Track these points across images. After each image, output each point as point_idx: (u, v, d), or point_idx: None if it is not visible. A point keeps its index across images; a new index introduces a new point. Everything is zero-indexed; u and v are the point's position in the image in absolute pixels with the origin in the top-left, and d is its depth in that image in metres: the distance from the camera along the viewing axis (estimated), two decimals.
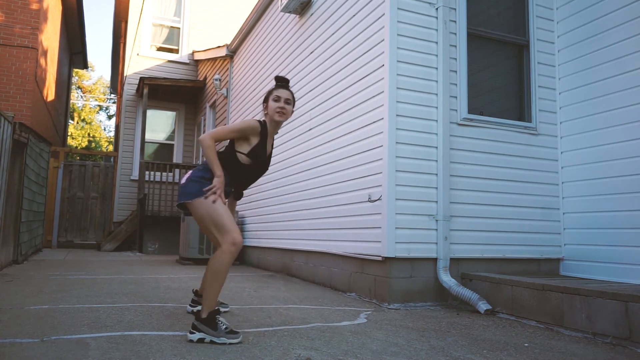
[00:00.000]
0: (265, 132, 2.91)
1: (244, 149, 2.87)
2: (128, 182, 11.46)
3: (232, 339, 2.51)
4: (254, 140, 2.87)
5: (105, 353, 2.23)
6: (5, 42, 8.83)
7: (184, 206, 2.81)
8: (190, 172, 2.85)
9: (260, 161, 2.92)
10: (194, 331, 2.54)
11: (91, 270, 5.90)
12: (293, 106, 3.01)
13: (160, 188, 10.05)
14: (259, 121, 2.92)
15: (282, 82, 3.01)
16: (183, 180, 2.81)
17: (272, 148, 3.07)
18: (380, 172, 4.11)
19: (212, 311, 2.57)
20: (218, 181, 2.70)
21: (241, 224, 8.02)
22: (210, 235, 2.80)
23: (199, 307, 3.07)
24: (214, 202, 2.65)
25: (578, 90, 4.57)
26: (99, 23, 59.99)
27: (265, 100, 2.99)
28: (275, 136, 6.72)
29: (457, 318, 3.53)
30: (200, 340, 2.51)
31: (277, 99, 2.93)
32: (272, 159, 6.75)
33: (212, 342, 2.50)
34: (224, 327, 2.54)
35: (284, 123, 6.60)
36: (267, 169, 3.07)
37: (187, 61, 12.16)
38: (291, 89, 3.10)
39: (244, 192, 3.24)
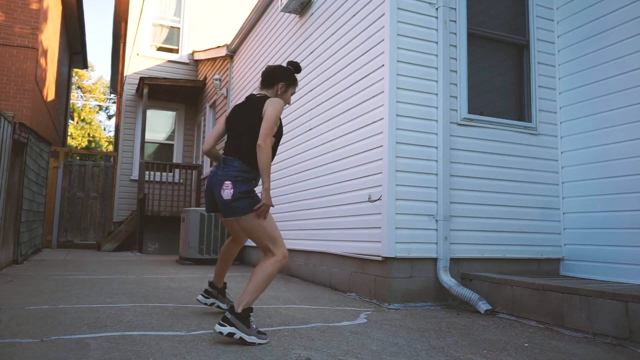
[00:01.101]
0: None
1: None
2: (128, 182, 11.46)
3: (262, 339, 2.52)
4: (279, 120, 2.89)
5: (105, 353, 2.23)
6: (5, 42, 8.83)
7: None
8: (229, 183, 2.70)
9: (279, 136, 2.94)
10: (225, 324, 2.46)
11: (91, 270, 5.90)
12: None
13: (160, 188, 10.05)
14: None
15: (298, 71, 3.08)
16: (226, 196, 2.69)
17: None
18: (380, 172, 4.11)
19: (247, 308, 2.54)
20: (267, 197, 2.65)
21: None
22: (260, 244, 2.73)
23: (212, 300, 3.23)
24: (264, 218, 2.70)
25: (578, 90, 4.57)
26: (99, 23, 59.99)
27: (285, 81, 2.96)
28: None
29: (457, 318, 3.53)
30: (230, 335, 2.44)
31: (293, 94, 3.08)
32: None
33: (241, 339, 2.45)
34: (255, 327, 2.56)
35: (284, 123, 6.59)
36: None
37: (187, 61, 12.16)
38: None
39: None
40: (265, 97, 2.87)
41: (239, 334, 2.46)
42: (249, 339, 2.47)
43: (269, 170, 2.68)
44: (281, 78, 2.97)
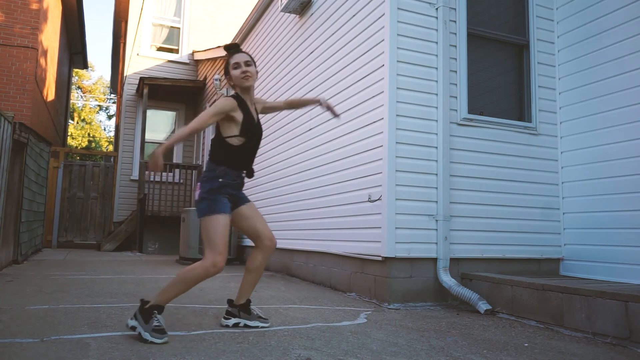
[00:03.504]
0: (243, 102, 2.84)
1: (233, 131, 2.77)
2: (128, 182, 11.46)
3: (157, 338, 2.46)
4: (239, 117, 2.78)
5: (105, 353, 2.23)
6: (5, 42, 8.83)
7: None
8: (199, 184, 2.77)
9: (253, 134, 2.85)
10: (134, 318, 2.58)
11: (91, 270, 5.90)
12: (255, 66, 2.93)
13: (160, 188, 10.05)
14: (232, 96, 2.84)
15: (233, 49, 2.92)
16: (196, 197, 2.75)
17: (258, 115, 2.98)
18: (380, 172, 4.11)
19: (155, 306, 2.56)
20: (156, 153, 2.57)
21: None
22: (204, 245, 2.71)
23: (235, 320, 2.93)
24: (154, 171, 2.64)
25: (578, 90, 4.57)
26: (99, 23, 60.00)
27: (227, 73, 2.91)
28: (276, 135, 6.74)
29: (457, 318, 3.53)
30: (133, 328, 2.55)
31: (237, 66, 2.85)
32: (272, 159, 6.77)
33: (139, 334, 2.50)
34: (156, 324, 2.50)
35: (281, 116, 6.58)
36: (262, 136, 2.98)
37: (187, 61, 12.16)
38: (245, 51, 3.00)
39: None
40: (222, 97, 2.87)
41: (139, 328, 2.52)
42: (144, 335, 2.48)
43: (175, 137, 2.67)
44: (225, 73, 2.95)
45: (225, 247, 2.65)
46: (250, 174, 2.95)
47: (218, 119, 2.75)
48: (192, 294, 4.19)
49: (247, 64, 2.86)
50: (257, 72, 2.93)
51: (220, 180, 2.73)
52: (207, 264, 2.59)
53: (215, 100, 10.28)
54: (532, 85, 4.66)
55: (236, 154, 2.80)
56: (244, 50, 2.96)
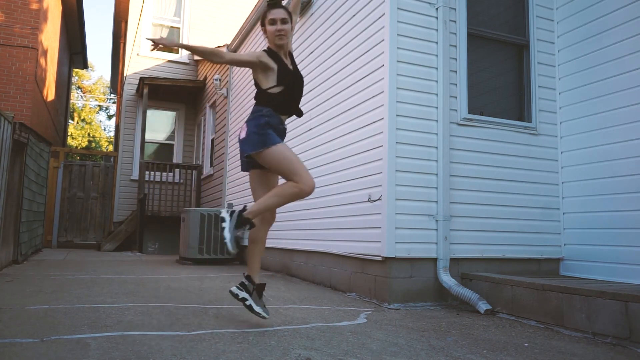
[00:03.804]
0: (275, 54, 2.90)
1: (270, 82, 2.86)
2: (128, 182, 11.46)
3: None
4: (274, 66, 2.86)
5: (105, 353, 2.23)
6: (5, 42, 8.83)
7: (250, 156, 2.86)
8: (244, 125, 2.88)
9: (291, 82, 2.91)
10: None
11: (91, 270, 5.90)
12: (292, 22, 2.95)
13: (160, 188, 10.05)
14: (264, 50, 2.90)
15: (272, 1, 2.91)
16: (243, 135, 2.85)
17: (294, 63, 3.04)
18: (380, 172, 4.11)
19: (250, 218, 2.76)
20: (169, 40, 2.80)
21: None
22: (285, 177, 2.82)
23: (245, 295, 2.88)
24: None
25: (578, 90, 4.57)
26: (99, 23, 60.01)
27: (261, 24, 2.96)
28: None
29: (457, 318, 3.53)
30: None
31: (273, 22, 2.88)
32: None
33: (223, 229, 2.72)
34: (239, 235, 2.73)
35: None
36: (302, 84, 3.05)
37: (187, 61, 12.16)
38: (284, 6, 3.00)
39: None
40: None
41: (226, 225, 2.73)
42: (227, 233, 2.71)
43: (194, 48, 2.80)
44: (261, 24, 2.98)
45: (304, 168, 2.79)
46: (300, 113, 3.04)
47: (249, 65, 2.85)
48: (192, 294, 4.19)
49: (283, 21, 2.90)
50: (293, 29, 2.98)
51: (265, 118, 2.82)
52: (301, 186, 2.73)
53: (215, 100, 10.29)
54: (532, 85, 4.66)
55: (278, 101, 2.88)
56: (281, 5, 2.96)
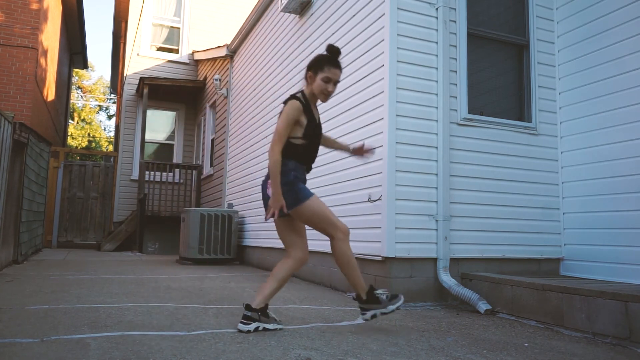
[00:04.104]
0: (308, 106, 2.86)
1: (296, 133, 2.83)
2: (128, 182, 11.46)
3: (397, 302, 2.86)
4: (304, 121, 2.83)
5: (105, 353, 2.23)
6: (5, 42, 8.83)
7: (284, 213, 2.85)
8: (269, 181, 2.81)
9: (315, 135, 2.90)
10: (365, 312, 2.91)
11: (91, 270, 5.90)
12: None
13: (160, 188, 10.05)
14: (297, 98, 2.84)
15: (335, 54, 2.85)
16: (269, 193, 2.81)
17: (318, 114, 3.01)
18: (380, 172, 4.11)
19: (367, 291, 2.89)
20: (273, 200, 2.73)
21: (241, 224, 8.02)
22: (320, 229, 2.88)
23: (255, 325, 2.80)
24: (273, 217, 2.77)
25: (578, 90, 4.57)
26: (99, 23, 60.03)
27: (312, 69, 2.87)
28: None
29: (457, 318, 3.53)
30: (374, 317, 2.89)
31: (327, 80, 2.83)
32: None
33: (382, 314, 2.85)
34: (385, 296, 2.86)
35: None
36: (322, 134, 3.03)
37: (187, 61, 12.16)
38: (341, 65, 2.92)
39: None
40: (289, 99, 2.86)
41: (378, 312, 2.87)
42: (387, 310, 2.85)
43: (275, 176, 2.73)
44: (309, 67, 2.89)
45: (334, 215, 2.86)
46: (309, 169, 3.02)
47: (289, 126, 2.80)
48: (192, 294, 4.19)
49: (335, 83, 2.87)
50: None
51: (292, 173, 2.82)
52: (340, 237, 2.82)
53: (215, 100, 10.29)
54: (532, 85, 4.66)
55: (301, 152, 2.87)
56: (340, 65, 2.89)
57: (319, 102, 2.99)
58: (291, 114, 2.79)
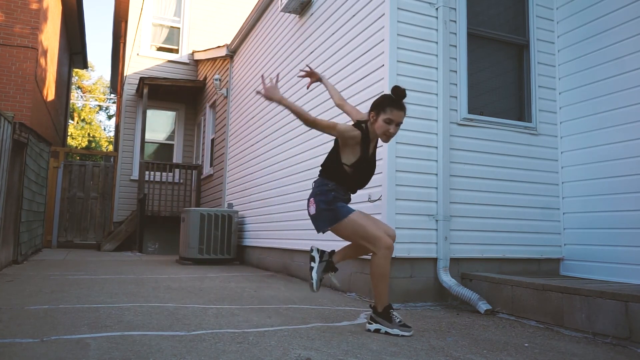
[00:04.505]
0: (367, 139, 2.87)
1: (348, 159, 2.87)
2: (128, 182, 11.46)
3: (405, 331, 2.82)
4: (358, 151, 2.85)
5: (105, 353, 2.23)
6: (5, 42, 8.83)
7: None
8: (312, 199, 2.94)
9: (365, 169, 2.91)
10: (372, 322, 2.90)
11: (91, 270, 5.90)
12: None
13: (160, 188, 10.05)
14: (360, 127, 2.86)
15: (399, 97, 2.80)
16: (311, 212, 2.94)
17: (375, 149, 3.01)
18: (380, 172, 4.10)
19: (386, 306, 2.87)
20: (271, 89, 2.83)
21: (241, 224, 8.02)
22: (362, 245, 2.92)
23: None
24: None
25: (578, 90, 4.56)
26: (99, 23, 60.04)
27: (376, 111, 2.84)
28: (276, 135, 6.74)
29: (457, 318, 3.53)
30: (377, 331, 2.87)
31: (389, 122, 2.80)
32: (273, 158, 6.77)
33: (386, 332, 2.83)
34: (398, 320, 2.85)
35: (281, 116, 6.56)
36: (374, 169, 3.03)
37: (187, 61, 12.16)
38: (405, 106, 2.87)
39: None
40: (355, 124, 2.91)
41: (384, 329, 2.85)
42: (392, 331, 2.82)
43: (294, 106, 2.80)
44: (372, 106, 2.89)
45: (377, 229, 2.84)
46: (355, 191, 3.06)
47: (334, 134, 2.84)
48: (192, 294, 4.19)
49: (397, 125, 2.85)
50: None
51: (332, 193, 2.88)
52: (382, 253, 2.80)
53: (215, 100, 10.29)
54: (532, 85, 4.66)
55: (346, 178, 2.91)
56: (403, 107, 2.86)
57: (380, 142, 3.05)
58: (347, 130, 2.82)
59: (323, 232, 2.96)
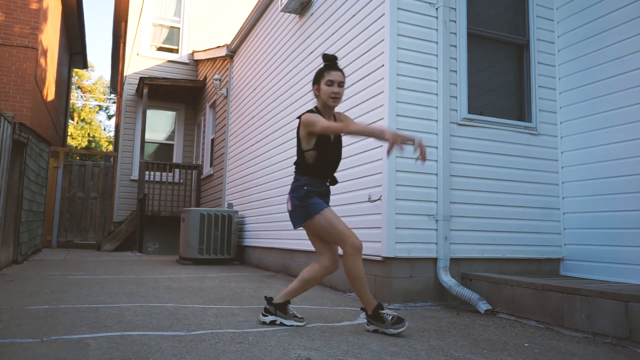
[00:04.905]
0: (321, 116, 2.90)
1: (309, 145, 2.88)
2: (128, 182, 11.46)
3: (399, 328, 2.80)
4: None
5: (105, 353, 2.23)
6: (5, 42, 8.83)
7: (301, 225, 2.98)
8: (287, 196, 3.00)
9: (328, 149, 2.92)
10: (370, 324, 2.91)
11: (91, 270, 5.90)
12: (344, 87, 2.95)
13: (160, 188, 10.06)
14: (311, 110, 2.93)
15: (331, 62, 2.93)
16: (289, 207, 2.98)
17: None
18: (380, 172, 4.11)
19: (374, 308, 2.87)
20: (390, 134, 2.71)
21: (241, 224, 8.02)
22: (332, 243, 2.97)
23: (271, 318, 3.00)
24: (421, 160, 2.75)
25: (578, 90, 4.56)
26: (99, 23, 60.04)
27: (316, 82, 2.94)
28: (276, 135, 6.74)
29: (457, 318, 3.53)
30: (376, 331, 2.88)
31: (331, 83, 2.89)
32: (273, 158, 6.77)
33: (383, 332, 2.83)
34: (390, 317, 2.83)
35: (284, 123, 6.57)
36: (341, 149, 3.05)
37: (187, 61, 12.16)
38: (341, 68, 2.96)
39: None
40: (303, 114, 2.93)
41: (381, 329, 2.85)
42: (388, 331, 2.81)
43: (364, 130, 2.87)
44: (313, 82, 2.98)
45: (347, 229, 2.85)
46: (333, 182, 3.05)
47: (306, 133, 2.88)
48: (192, 294, 4.19)
49: (340, 84, 2.91)
50: (343, 94, 2.97)
51: (305, 188, 2.89)
52: (349, 251, 2.80)
53: (215, 100, 10.29)
54: (532, 85, 4.66)
55: (314, 165, 2.91)
56: (339, 68, 2.96)
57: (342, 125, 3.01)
58: (308, 126, 2.85)
59: (296, 228, 3.00)
